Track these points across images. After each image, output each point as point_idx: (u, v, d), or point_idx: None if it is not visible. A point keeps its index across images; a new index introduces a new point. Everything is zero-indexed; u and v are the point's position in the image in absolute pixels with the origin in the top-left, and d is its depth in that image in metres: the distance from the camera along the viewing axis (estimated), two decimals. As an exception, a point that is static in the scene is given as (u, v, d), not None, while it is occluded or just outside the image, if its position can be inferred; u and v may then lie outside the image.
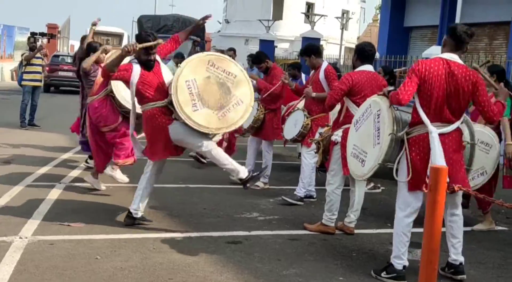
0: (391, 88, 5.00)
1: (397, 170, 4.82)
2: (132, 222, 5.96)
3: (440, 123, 4.67)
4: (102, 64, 7.78)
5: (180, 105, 5.53)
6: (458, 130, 4.79)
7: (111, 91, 7.09)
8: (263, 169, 6.05)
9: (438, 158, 4.53)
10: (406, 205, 4.84)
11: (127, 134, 7.13)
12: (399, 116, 4.85)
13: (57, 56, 26.78)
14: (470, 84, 4.65)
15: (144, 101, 5.76)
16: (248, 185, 5.87)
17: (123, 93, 6.93)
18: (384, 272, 4.90)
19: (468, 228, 5.35)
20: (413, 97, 4.73)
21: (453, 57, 4.71)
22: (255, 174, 5.91)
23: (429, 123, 4.62)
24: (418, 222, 4.84)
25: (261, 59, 8.49)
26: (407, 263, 4.88)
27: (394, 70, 9.61)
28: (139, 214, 5.99)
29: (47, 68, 15.00)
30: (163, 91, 5.75)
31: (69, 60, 24.14)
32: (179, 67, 5.79)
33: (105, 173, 7.21)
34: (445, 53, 4.75)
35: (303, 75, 10.84)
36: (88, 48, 7.72)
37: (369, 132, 5.02)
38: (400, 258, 4.86)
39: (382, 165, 4.80)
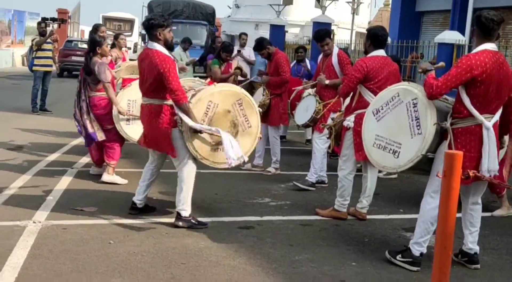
0: (431, 67, 4.75)
1: (433, 159, 4.72)
2: (135, 212, 5.90)
3: (487, 115, 4.56)
4: (108, 58, 7.72)
5: None
6: (497, 121, 4.71)
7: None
8: (203, 224, 5.65)
9: (492, 161, 4.53)
10: (439, 193, 4.77)
11: (116, 140, 7.21)
12: (438, 105, 4.70)
13: (70, 41, 27.47)
14: (510, 75, 4.60)
15: (151, 95, 5.52)
16: (180, 223, 5.57)
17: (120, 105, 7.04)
18: (400, 256, 4.89)
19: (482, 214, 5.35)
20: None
21: (494, 47, 4.59)
22: (194, 222, 5.62)
23: (484, 119, 4.51)
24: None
25: (263, 46, 8.41)
26: (425, 251, 4.84)
27: (402, 59, 9.53)
28: (143, 204, 5.94)
29: (57, 54, 14.95)
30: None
31: (83, 45, 24.46)
32: (215, 85, 5.73)
33: (103, 180, 7.13)
34: (486, 44, 4.57)
35: (307, 61, 10.84)
36: (92, 43, 7.32)
37: (402, 122, 4.82)
38: (420, 245, 4.82)
39: (425, 156, 4.65)
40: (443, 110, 4.72)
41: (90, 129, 7.16)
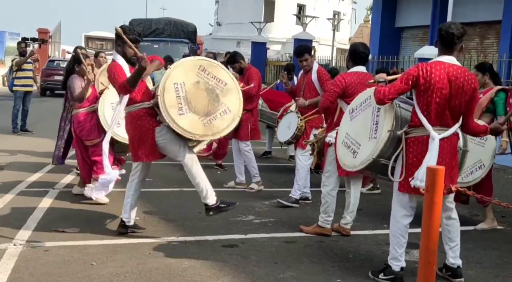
0: (381, 79, 4.87)
1: (393, 168, 4.77)
2: (125, 231, 5.84)
3: (440, 127, 4.60)
4: (88, 77, 7.68)
5: (166, 107, 5.42)
6: (456, 135, 4.75)
7: (97, 109, 7.07)
8: (231, 203, 5.80)
9: (431, 163, 4.49)
10: (402, 206, 4.82)
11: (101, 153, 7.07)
12: (399, 113, 4.78)
13: (53, 61, 27.97)
14: (471, 89, 4.60)
15: (129, 103, 5.60)
16: (211, 213, 5.70)
17: (106, 114, 6.95)
18: (382, 274, 4.87)
19: (461, 228, 5.35)
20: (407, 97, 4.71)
21: (452, 60, 4.64)
22: (223, 205, 5.72)
23: (431, 129, 4.55)
24: (415, 222, 4.82)
25: (235, 59, 8.49)
26: (404, 264, 4.86)
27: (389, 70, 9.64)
28: (132, 222, 5.88)
29: (38, 73, 14.88)
30: (149, 92, 5.68)
31: (64, 64, 24.56)
32: (169, 68, 5.71)
33: (85, 195, 7.01)
34: (442, 56, 4.65)
35: (295, 78, 10.89)
36: (73, 60, 7.33)
37: (366, 124, 4.95)
38: (397, 260, 4.83)
39: (376, 160, 4.75)
40: (406, 120, 4.78)
41: (59, 152, 7.24)
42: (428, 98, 4.56)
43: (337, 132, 5.80)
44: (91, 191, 6.96)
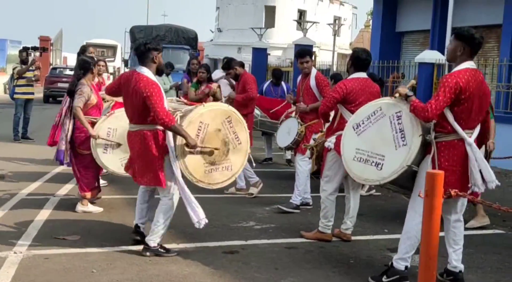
0: (410, 93, 4.77)
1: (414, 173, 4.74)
2: (139, 237, 5.72)
3: (467, 130, 4.63)
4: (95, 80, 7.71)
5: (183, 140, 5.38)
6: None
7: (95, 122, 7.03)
8: (170, 252, 5.52)
9: (487, 173, 4.60)
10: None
11: (92, 167, 7.06)
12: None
13: (55, 68, 29.27)
14: (489, 92, 4.75)
15: (149, 121, 5.38)
16: (147, 253, 5.44)
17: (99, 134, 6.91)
18: (385, 276, 4.86)
19: (465, 232, 5.34)
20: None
21: (474, 65, 4.69)
22: (162, 251, 5.50)
23: (466, 135, 4.58)
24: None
25: (230, 65, 8.52)
26: (409, 264, 4.84)
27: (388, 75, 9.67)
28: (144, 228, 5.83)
29: (38, 81, 14.87)
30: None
31: (67, 72, 25.27)
32: (203, 105, 5.66)
33: (76, 211, 7.00)
34: (467, 62, 4.65)
35: (283, 84, 11.01)
36: (86, 63, 7.17)
37: (384, 134, 4.85)
38: (405, 260, 4.82)
39: (410, 167, 4.65)
40: (424, 125, 4.75)
41: (62, 147, 7.11)
42: (467, 106, 4.57)
43: (336, 138, 5.79)
44: (81, 206, 7.02)
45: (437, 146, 4.65)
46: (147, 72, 5.40)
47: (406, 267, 4.82)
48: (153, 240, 5.50)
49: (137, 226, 5.79)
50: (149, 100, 5.21)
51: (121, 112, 6.54)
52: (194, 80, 9.64)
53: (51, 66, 35.47)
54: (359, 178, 5.14)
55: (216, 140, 5.57)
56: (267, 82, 11.90)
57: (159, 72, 5.61)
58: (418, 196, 4.66)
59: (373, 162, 4.92)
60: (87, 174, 7.10)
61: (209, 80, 9.35)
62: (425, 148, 4.70)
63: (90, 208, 7.05)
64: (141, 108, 5.33)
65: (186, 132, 5.30)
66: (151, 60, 5.47)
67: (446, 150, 4.63)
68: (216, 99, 9.00)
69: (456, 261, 4.92)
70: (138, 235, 5.75)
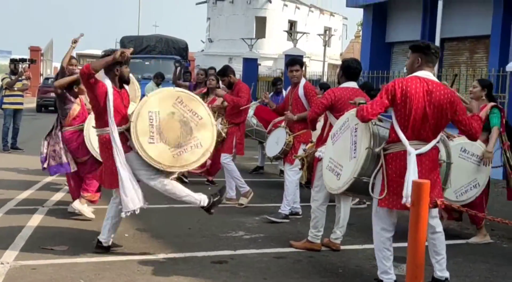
0: (362, 100, 4.97)
1: (373, 184, 4.79)
2: (102, 251, 5.75)
3: (418, 141, 4.63)
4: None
5: (137, 134, 5.40)
6: (436, 149, 4.78)
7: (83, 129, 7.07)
8: (221, 191, 5.89)
9: (411, 178, 4.51)
10: (382, 221, 4.84)
11: (93, 170, 7.02)
12: (377, 131, 4.84)
13: (48, 78, 29.62)
14: (449, 103, 4.63)
15: (102, 125, 5.56)
16: (212, 211, 5.75)
17: (91, 135, 6.88)
18: None
19: (451, 241, 5.37)
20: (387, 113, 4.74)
21: (429, 75, 4.70)
22: (216, 198, 5.76)
23: (408, 144, 4.58)
24: (403, 237, 4.82)
25: (224, 73, 8.52)
26: (395, 278, 4.84)
27: (378, 85, 9.70)
28: (109, 243, 5.81)
29: (27, 90, 14.82)
30: (125, 116, 5.61)
31: None
32: (146, 96, 5.69)
33: (73, 207, 7.03)
34: (420, 72, 4.70)
35: (284, 93, 10.97)
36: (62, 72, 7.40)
37: (346, 146, 5.01)
38: (387, 273, 4.82)
39: (358, 178, 4.78)
40: (384, 137, 4.82)
41: (64, 160, 7.12)
42: (405, 112, 4.59)
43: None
44: (79, 204, 7.04)
45: (386, 157, 4.71)
46: (106, 80, 5.58)
47: (394, 281, 4.83)
48: (203, 201, 5.72)
49: (98, 241, 5.79)
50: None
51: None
52: (202, 91, 9.63)
53: (42, 77, 35.48)
54: (327, 185, 5.35)
55: (173, 123, 5.51)
56: (271, 93, 11.86)
57: (124, 82, 5.70)
58: (374, 208, 4.85)
59: (336, 171, 5.14)
60: (90, 180, 7.09)
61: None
62: (378, 160, 4.76)
63: (85, 209, 7.06)
64: (95, 111, 5.60)
65: (104, 59, 5.48)
66: (112, 72, 5.61)
67: (393, 161, 4.68)
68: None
69: (440, 271, 4.93)
70: (99, 249, 5.76)
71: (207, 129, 5.68)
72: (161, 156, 5.44)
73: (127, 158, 5.47)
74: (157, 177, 5.56)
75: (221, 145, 8.37)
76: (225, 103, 8.74)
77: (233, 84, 8.50)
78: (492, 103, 6.72)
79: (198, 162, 5.67)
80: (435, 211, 4.87)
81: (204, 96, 9.35)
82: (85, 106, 7.35)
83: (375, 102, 4.63)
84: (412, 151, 4.56)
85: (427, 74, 4.69)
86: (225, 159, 8.36)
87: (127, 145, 5.51)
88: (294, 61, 7.32)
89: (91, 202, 7.25)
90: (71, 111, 7.05)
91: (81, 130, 7.06)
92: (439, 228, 4.93)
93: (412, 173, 4.50)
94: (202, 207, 5.73)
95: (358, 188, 4.92)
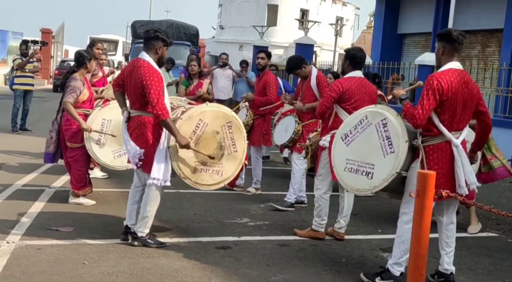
0: (404, 96, 4.82)
1: (405, 177, 4.72)
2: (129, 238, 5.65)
3: (454, 131, 4.63)
4: (99, 75, 7.73)
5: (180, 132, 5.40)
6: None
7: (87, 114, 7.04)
8: (160, 244, 5.56)
9: (469, 175, 4.59)
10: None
11: (83, 161, 7.04)
12: (406, 124, 4.75)
13: (64, 61, 31.30)
14: (477, 90, 4.70)
15: (146, 108, 5.38)
16: (135, 243, 5.50)
17: (92, 126, 6.91)
18: (379, 278, 4.85)
19: (457, 235, 5.34)
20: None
21: (460, 66, 4.68)
22: (150, 242, 5.53)
23: (452, 137, 4.58)
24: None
25: (269, 55, 8.67)
26: (404, 270, 4.80)
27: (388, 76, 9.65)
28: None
29: (37, 72, 14.88)
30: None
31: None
32: (207, 104, 5.71)
33: (69, 203, 7.02)
34: (451, 62, 4.67)
35: (280, 80, 10.86)
36: (81, 57, 7.15)
37: (373, 143, 4.84)
38: (400, 265, 4.80)
39: (399, 173, 4.64)
40: (410, 129, 4.75)
41: (51, 150, 7.16)
42: (451, 108, 4.57)
43: (331, 137, 5.80)
44: (73, 198, 7.04)
45: (425, 149, 4.65)
46: (148, 59, 5.43)
47: (401, 274, 4.80)
48: (140, 230, 5.53)
49: (127, 227, 5.71)
50: (147, 88, 5.24)
51: (116, 103, 6.54)
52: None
53: (53, 59, 35.58)
54: (352, 188, 5.15)
55: (212, 141, 5.55)
56: None
57: (159, 64, 5.57)
58: (409, 199, 4.69)
59: (363, 171, 4.92)
60: (77, 169, 7.05)
61: (200, 74, 9.34)
62: (413, 153, 4.71)
63: (82, 200, 7.05)
64: (141, 94, 5.34)
65: (177, 131, 5.32)
66: (154, 50, 5.49)
67: (434, 153, 4.63)
68: (207, 94, 9.03)
69: (447, 264, 4.93)
70: (127, 236, 5.67)
71: (234, 163, 5.74)
72: (185, 164, 5.48)
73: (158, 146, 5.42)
74: (165, 175, 5.45)
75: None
76: (201, 92, 8.91)
77: (264, 68, 8.44)
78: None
79: (211, 187, 5.73)
80: (455, 203, 4.87)
81: (188, 82, 9.30)
82: (93, 93, 7.35)
83: (424, 106, 4.51)
84: (458, 143, 4.59)
85: (458, 65, 4.67)
86: (256, 153, 8.45)
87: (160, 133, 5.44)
88: (291, 69, 7.36)
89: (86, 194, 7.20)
90: (81, 95, 6.98)
91: (86, 115, 7.01)
92: (455, 219, 4.94)
93: (465, 162, 4.57)
94: (134, 232, 5.56)
95: (394, 185, 4.78)
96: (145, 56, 5.45)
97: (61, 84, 7.14)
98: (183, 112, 5.59)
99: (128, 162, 5.80)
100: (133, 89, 5.40)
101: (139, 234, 5.53)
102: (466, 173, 4.61)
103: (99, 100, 7.46)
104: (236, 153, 5.72)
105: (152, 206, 5.54)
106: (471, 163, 4.89)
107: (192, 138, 5.44)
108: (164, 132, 5.40)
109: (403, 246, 4.78)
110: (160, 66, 5.62)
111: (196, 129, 5.48)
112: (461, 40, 4.68)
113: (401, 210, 4.86)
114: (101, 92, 7.80)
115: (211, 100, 8.85)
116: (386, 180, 4.71)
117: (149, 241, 5.54)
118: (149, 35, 5.55)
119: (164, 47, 5.55)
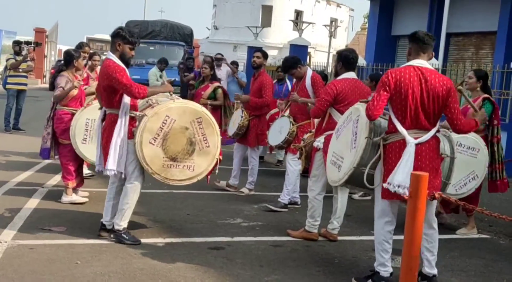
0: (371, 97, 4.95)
1: (372, 175, 4.77)
2: (106, 235, 5.73)
3: (417, 130, 4.60)
4: (80, 73, 7.77)
5: (144, 129, 5.43)
6: (435, 138, 4.71)
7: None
8: (135, 241, 5.60)
9: (406, 169, 4.46)
10: (384, 213, 4.81)
11: (72, 156, 7.08)
12: (378, 122, 4.80)
13: (60, 60, 30.44)
14: (445, 90, 4.60)
15: (115, 105, 5.53)
16: (112, 235, 5.63)
17: (77, 125, 6.96)
18: (370, 281, 4.86)
19: (448, 236, 5.37)
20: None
21: (422, 63, 4.66)
22: (125, 237, 5.59)
23: (406, 133, 4.56)
24: (400, 230, 4.82)
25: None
26: (391, 270, 4.82)
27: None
28: (112, 225, 5.75)
29: (31, 72, 14.85)
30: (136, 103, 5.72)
31: None
32: (174, 100, 5.66)
33: (62, 202, 7.02)
34: (414, 60, 4.68)
35: (288, 81, 10.87)
36: (69, 56, 7.30)
37: (348, 138, 5.00)
38: (385, 266, 4.81)
39: (357, 168, 4.73)
40: (384, 128, 4.80)
41: (46, 145, 7.24)
42: (401, 103, 4.58)
43: (325, 138, 5.83)
44: (66, 196, 7.06)
45: (386, 147, 4.69)
46: (112, 56, 5.58)
47: (391, 274, 4.81)
48: (117, 222, 5.60)
49: (102, 224, 5.77)
50: (115, 81, 5.40)
51: (97, 103, 6.68)
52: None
53: (46, 59, 35.51)
54: (329, 178, 5.34)
55: (180, 137, 5.54)
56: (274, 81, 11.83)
57: (123, 62, 5.60)
58: (377, 200, 4.81)
59: (337, 164, 5.11)
60: (65, 162, 7.13)
61: (213, 77, 9.32)
62: (377, 151, 4.74)
63: (74, 197, 7.07)
64: (110, 91, 5.51)
65: (160, 88, 5.74)
66: (115, 46, 5.61)
67: (393, 151, 4.64)
68: (214, 98, 9.00)
69: (429, 268, 4.89)
70: (103, 232, 5.74)
71: (207, 159, 5.70)
72: (153, 160, 5.49)
73: (130, 142, 5.53)
74: (138, 173, 5.60)
75: (241, 137, 8.36)
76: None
77: (260, 67, 8.42)
78: (485, 95, 6.71)
79: (182, 183, 5.70)
80: (434, 206, 4.86)
81: (199, 84, 9.36)
82: (84, 90, 7.41)
83: (375, 98, 4.60)
84: (411, 140, 4.54)
85: (420, 62, 4.66)
86: (253, 153, 8.46)
87: (132, 130, 5.54)
88: (286, 69, 7.43)
89: (74, 187, 7.21)
90: (71, 92, 7.06)
91: (73, 114, 7.10)
92: (436, 224, 4.91)
93: (409, 162, 4.48)
94: (112, 225, 5.65)
95: (357, 179, 4.86)
96: (109, 54, 5.63)
97: (51, 84, 7.24)
98: (151, 107, 5.64)
99: None
100: (102, 87, 5.58)
101: (116, 227, 5.59)
102: (403, 173, 4.44)
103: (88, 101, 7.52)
104: (208, 148, 5.68)
105: (131, 198, 5.61)
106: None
107: (158, 135, 5.46)
108: (119, 125, 5.47)
109: (380, 247, 4.83)
110: (126, 65, 5.64)
111: (163, 126, 5.48)
112: (426, 39, 4.69)
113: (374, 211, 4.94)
114: (85, 89, 7.85)
115: (219, 106, 9.00)
116: (346, 174, 4.88)
117: (124, 236, 5.59)
118: (112, 33, 5.70)
119: (126, 44, 5.60)
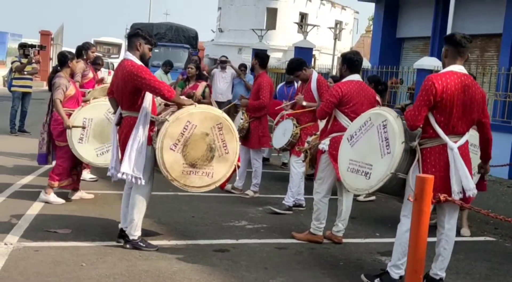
0: (408, 102, 4.93)
1: (404, 180, 4.71)
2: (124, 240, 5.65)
3: (454, 135, 4.60)
4: (76, 75, 7.82)
5: (165, 135, 5.35)
6: (467, 141, 4.74)
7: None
8: (152, 247, 5.55)
9: (465, 180, 4.53)
10: None
11: (67, 158, 7.11)
12: (405, 126, 4.75)
13: None
14: (481, 99, 4.65)
15: (135, 108, 5.44)
16: (127, 246, 5.52)
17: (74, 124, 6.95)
18: (378, 279, 4.85)
19: (456, 239, 5.33)
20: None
21: (462, 69, 4.66)
22: (142, 245, 5.54)
23: (448, 140, 4.55)
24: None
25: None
26: (403, 273, 4.78)
27: (387, 80, 9.63)
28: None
29: (36, 74, 14.94)
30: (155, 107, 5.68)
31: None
32: (195, 105, 5.59)
33: (39, 199, 7.04)
34: (453, 66, 4.66)
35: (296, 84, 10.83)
36: (63, 57, 7.27)
37: (373, 144, 4.88)
38: (398, 268, 4.78)
39: (394, 174, 4.65)
40: (411, 132, 4.76)
41: (43, 150, 7.32)
42: (446, 109, 4.55)
43: (330, 140, 5.83)
44: (44, 194, 7.09)
45: (423, 152, 4.65)
46: (131, 57, 5.49)
47: (400, 277, 4.78)
48: (131, 232, 5.54)
49: (121, 230, 5.71)
50: (142, 81, 5.30)
51: (97, 102, 6.90)
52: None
53: (51, 61, 35.50)
54: (352, 188, 5.18)
55: (201, 143, 5.47)
56: (282, 84, 11.83)
57: (143, 62, 5.55)
58: (407, 203, 4.68)
59: (363, 171, 4.96)
60: (59, 163, 7.17)
61: (199, 77, 9.35)
62: (414, 155, 4.70)
63: (52, 198, 7.07)
64: (130, 93, 5.40)
65: (185, 101, 5.57)
66: (135, 47, 5.54)
67: (431, 156, 4.61)
68: (203, 98, 9.02)
69: (440, 270, 4.85)
70: (122, 239, 5.66)
71: (225, 165, 5.63)
72: (173, 166, 5.40)
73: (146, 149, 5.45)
74: (148, 181, 5.54)
75: (243, 140, 8.33)
76: (195, 94, 8.90)
77: (256, 77, 8.45)
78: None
79: (200, 189, 5.62)
80: (456, 207, 4.80)
81: (184, 84, 9.37)
82: (80, 92, 7.45)
83: (417, 108, 4.55)
84: (454, 146, 4.54)
85: (460, 68, 4.65)
86: (256, 155, 8.45)
87: (150, 135, 5.48)
88: (292, 70, 7.46)
89: (63, 187, 7.23)
90: (68, 91, 7.10)
91: (70, 114, 7.07)
92: (455, 225, 4.87)
93: (460, 167, 4.52)
94: (127, 235, 5.57)
95: (390, 186, 4.78)
96: (129, 55, 5.53)
97: (48, 85, 7.26)
98: (172, 112, 5.57)
99: None
100: (122, 89, 5.45)
101: (131, 237, 5.54)
102: (462, 178, 4.55)
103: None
104: (228, 154, 5.63)
105: (139, 209, 5.54)
106: (483, 174, 4.88)
107: (179, 141, 5.39)
108: (139, 130, 5.39)
109: (400, 249, 4.77)
110: (145, 65, 5.60)
111: (184, 131, 5.41)
112: (464, 43, 4.66)
113: (401, 213, 4.87)
114: (88, 93, 7.87)
115: (204, 99, 8.95)
116: (381, 180, 4.73)
117: (140, 244, 5.54)
118: (130, 33, 5.67)
119: (146, 45, 5.57)
